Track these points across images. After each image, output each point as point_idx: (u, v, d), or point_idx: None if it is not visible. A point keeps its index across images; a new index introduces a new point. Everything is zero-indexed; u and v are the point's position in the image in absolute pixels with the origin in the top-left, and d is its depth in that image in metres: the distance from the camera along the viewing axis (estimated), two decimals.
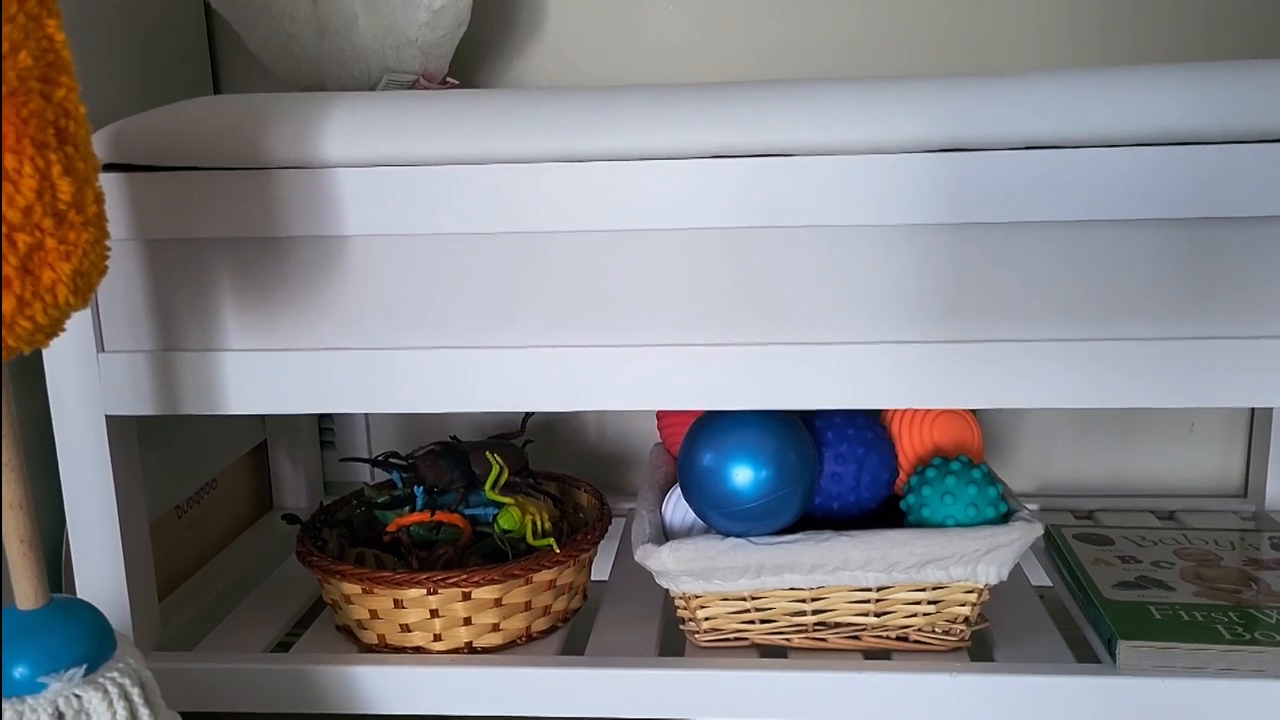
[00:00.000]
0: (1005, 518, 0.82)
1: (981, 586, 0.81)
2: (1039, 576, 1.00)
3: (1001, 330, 0.74)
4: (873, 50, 1.11)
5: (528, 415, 1.06)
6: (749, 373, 0.75)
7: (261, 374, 0.77)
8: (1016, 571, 0.99)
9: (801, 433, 0.81)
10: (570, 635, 0.90)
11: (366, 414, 1.22)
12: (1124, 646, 0.80)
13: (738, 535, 0.80)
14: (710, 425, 0.81)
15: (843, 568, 0.79)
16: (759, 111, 0.73)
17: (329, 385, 0.77)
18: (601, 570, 1.00)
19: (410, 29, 0.92)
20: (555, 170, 0.73)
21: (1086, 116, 0.70)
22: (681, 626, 0.86)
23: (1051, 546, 1.01)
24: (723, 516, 0.79)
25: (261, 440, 1.16)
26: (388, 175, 0.73)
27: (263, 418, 1.16)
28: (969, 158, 0.70)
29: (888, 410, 0.91)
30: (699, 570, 0.80)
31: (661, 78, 1.13)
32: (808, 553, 0.79)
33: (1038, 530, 0.79)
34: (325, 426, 1.22)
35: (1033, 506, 1.15)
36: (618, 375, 0.76)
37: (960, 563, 0.79)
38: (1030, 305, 0.73)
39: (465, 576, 0.81)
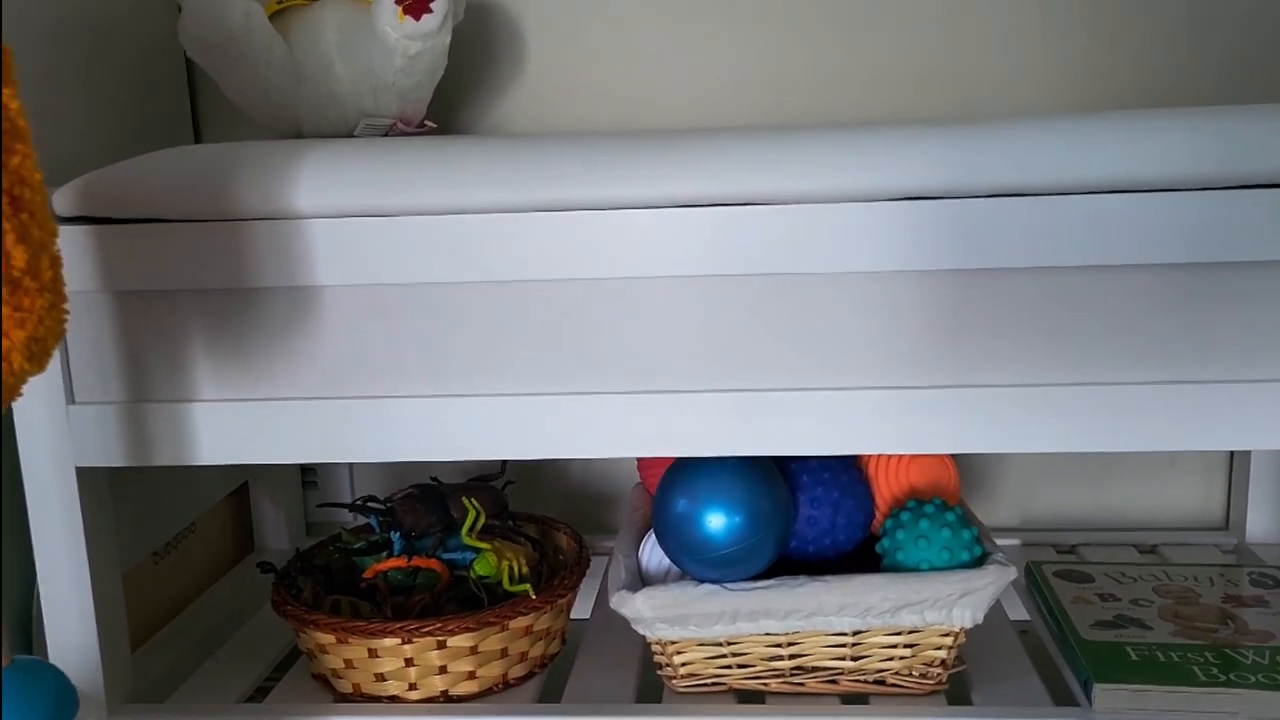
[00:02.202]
0: (981, 560, 0.81)
1: (957, 630, 0.81)
2: (1021, 613, 0.99)
3: (977, 376, 0.74)
4: (855, 91, 1.12)
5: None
6: (722, 420, 0.75)
7: (234, 424, 0.77)
8: (997, 610, 0.98)
9: (775, 478, 0.81)
10: (549, 680, 0.89)
11: None
12: (1099, 689, 0.80)
13: (712, 581, 0.80)
14: (683, 472, 0.81)
15: (817, 613, 0.79)
16: (732, 160, 0.73)
17: (302, 435, 0.77)
18: (584, 608, 0.99)
19: (386, 74, 0.92)
20: (528, 220, 0.73)
21: (1065, 163, 0.70)
22: (659, 672, 0.86)
23: (1032, 583, 1.01)
24: (697, 563, 0.79)
25: (242, 483, 1.16)
26: (359, 225, 0.73)
27: None
28: (941, 205, 0.71)
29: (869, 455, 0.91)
30: (674, 617, 0.80)
31: (643, 121, 1.13)
32: (782, 598, 0.79)
33: (1012, 573, 0.79)
34: (308, 468, 1.21)
35: (1014, 541, 1.15)
36: (591, 423, 0.76)
37: (935, 607, 0.79)
38: (1004, 350, 0.73)
39: (440, 625, 0.81)
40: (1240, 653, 0.84)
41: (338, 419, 0.76)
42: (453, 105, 1.14)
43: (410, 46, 0.90)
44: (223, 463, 0.77)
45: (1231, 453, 1.16)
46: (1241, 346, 0.72)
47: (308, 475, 1.21)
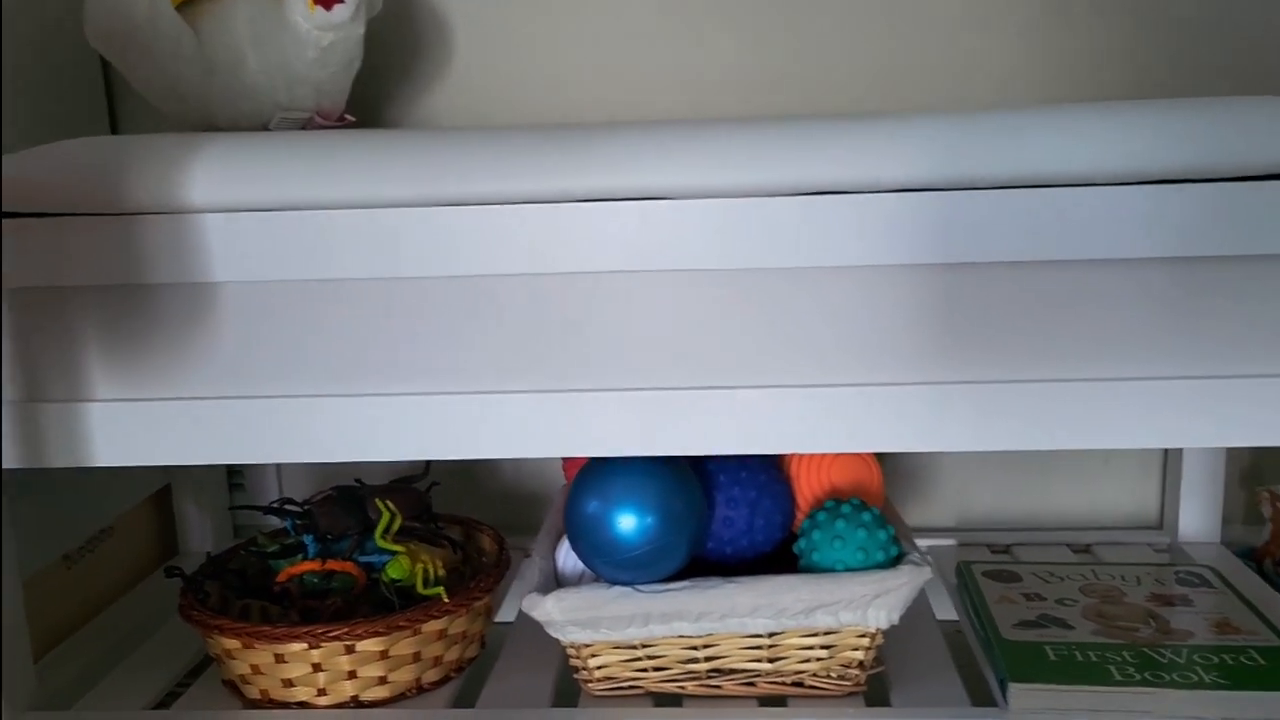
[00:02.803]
0: (897, 561, 0.80)
1: (874, 631, 0.80)
2: (951, 614, 0.99)
3: (916, 373, 0.72)
4: (800, 86, 1.11)
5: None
6: (639, 419, 0.74)
7: (131, 425, 0.75)
8: (924, 610, 0.98)
9: (688, 478, 0.80)
10: (465, 685, 0.88)
11: None
12: (1015, 689, 0.79)
13: (624, 583, 0.78)
14: (595, 472, 0.79)
15: (731, 615, 0.78)
16: (653, 153, 0.71)
17: (201, 436, 0.75)
18: (511, 611, 0.98)
19: (300, 66, 0.91)
20: (433, 214, 0.71)
21: (1026, 157, 0.68)
22: (575, 676, 0.84)
23: (961, 584, 1.00)
24: (608, 565, 0.78)
25: (165, 484, 1.13)
26: (256, 220, 0.71)
27: None
28: (880, 199, 0.69)
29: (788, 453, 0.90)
30: (585, 620, 0.78)
31: (575, 115, 1.12)
32: (695, 600, 0.77)
33: (927, 574, 0.78)
34: (234, 470, 1.19)
35: (950, 542, 1.14)
36: (503, 423, 0.74)
37: (849, 608, 0.78)
38: (947, 346, 0.72)
39: (347, 630, 0.79)
40: (1159, 652, 0.83)
41: (237, 419, 0.74)
42: (378, 100, 1.12)
43: (322, 38, 0.88)
44: (119, 464, 0.75)
45: (1165, 453, 1.16)
46: (1180, 344, 0.71)
47: (234, 477, 1.19)
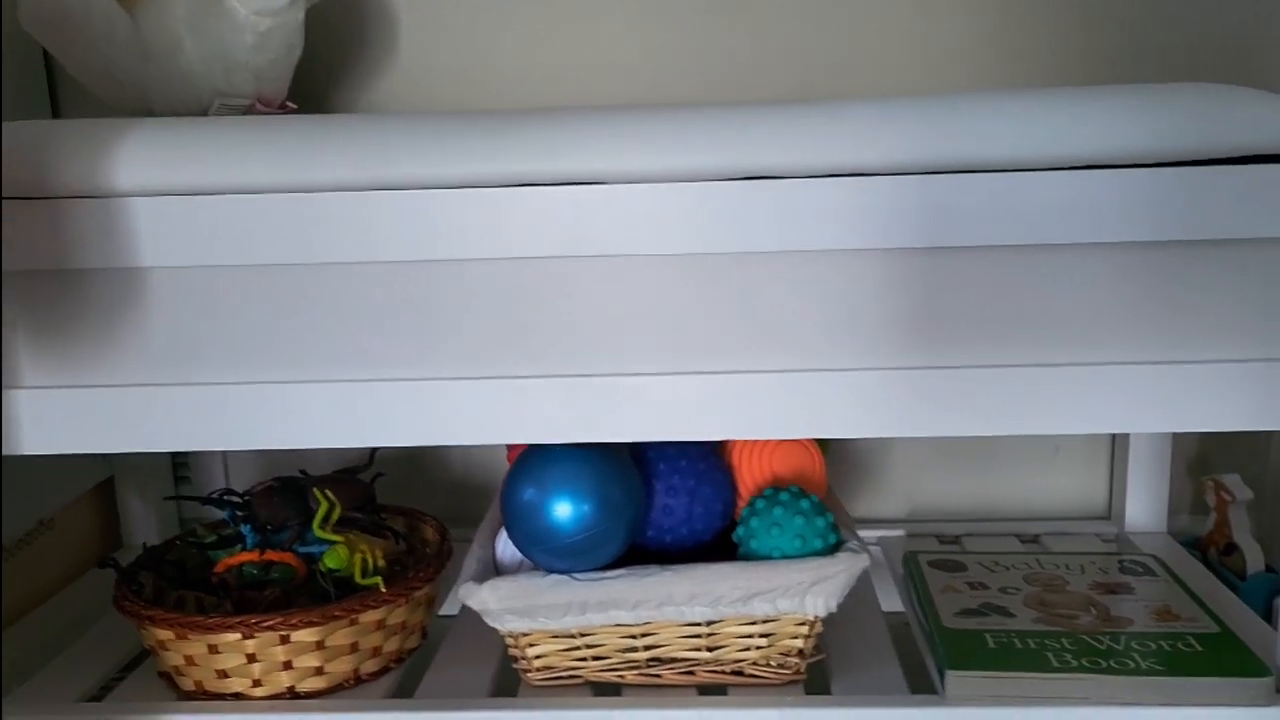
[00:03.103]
0: (835, 549, 0.80)
1: (812, 618, 0.80)
2: (898, 604, 0.99)
3: (865, 360, 0.72)
4: (747, 73, 1.11)
5: (374, 448, 1.03)
6: (574, 406, 0.73)
7: (57, 412, 0.74)
8: (869, 599, 0.98)
9: (626, 466, 0.79)
10: (406, 676, 0.87)
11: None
12: (951, 677, 0.79)
13: (561, 572, 0.78)
14: (531, 460, 0.79)
15: (667, 603, 0.78)
16: (575, 139, 0.71)
17: (132, 422, 0.74)
18: (456, 603, 0.97)
19: (238, 52, 0.90)
20: (363, 199, 0.71)
21: (961, 142, 0.68)
22: (515, 666, 0.84)
23: (908, 574, 1.00)
24: (544, 553, 0.77)
25: (108, 476, 1.12)
26: (182, 204, 0.71)
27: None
28: (819, 184, 0.69)
29: (730, 440, 0.89)
30: (521, 608, 0.78)
31: (516, 103, 1.11)
32: (631, 589, 0.77)
33: (864, 561, 0.78)
34: (180, 461, 1.18)
35: (899, 532, 1.14)
36: (434, 410, 0.74)
37: (787, 595, 0.78)
38: (894, 332, 0.72)
39: (281, 619, 0.78)
40: (1097, 639, 0.84)
41: (166, 406, 0.73)
42: (324, 88, 1.11)
43: (260, 23, 0.87)
44: (46, 452, 0.74)
45: (1113, 443, 1.16)
46: (1131, 330, 0.72)
47: (180, 470, 1.18)
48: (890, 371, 0.72)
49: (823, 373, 0.72)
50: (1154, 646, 0.82)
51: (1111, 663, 0.80)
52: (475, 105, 1.11)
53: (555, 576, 0.77)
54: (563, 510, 0.76)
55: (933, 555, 1.02)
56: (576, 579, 0.77)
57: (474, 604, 0.78)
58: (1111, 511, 1.17)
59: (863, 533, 1.12)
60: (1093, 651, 0.81)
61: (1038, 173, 0.68)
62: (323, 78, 1.10)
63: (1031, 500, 1.18)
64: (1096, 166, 0.68)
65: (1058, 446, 1.17)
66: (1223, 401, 0.72)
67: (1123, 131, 0.68)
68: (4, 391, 0.74)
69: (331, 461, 1.15)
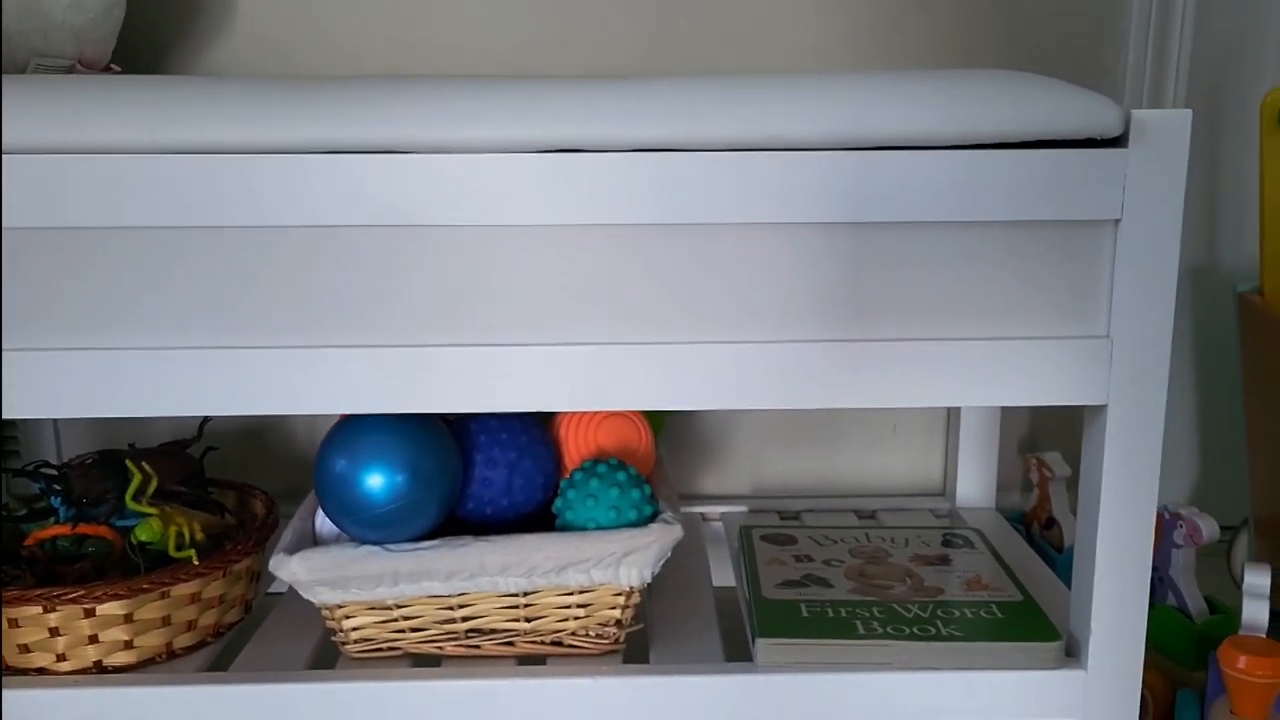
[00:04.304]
0: (651, 520, 0.82)
1: (628, 589, 0.81)
2: (730, 578, 1.01)
3: (695, 332, 0.73)
4: (588, 53, 1.11)
5: (205, 420, 1.01)
6: (389, 375, 0.73)
7: None
8: (702, 573, 1.00)
9: (441, 436, 0.79)
10: (225, 650, 0.86)
11: (55, 419, 1.15)
12: (761, 644, 0.81)
13: (374, 543, 0.78)
14: (343, 430, 0.78)
15: (481, 573, 0.78)
16: (388, 107, 0.71)
17: None
18: None
19: (55, 11, 0.87)
20: (168, 163, 0.69)
21: (767, 119, 0.70)
22: (333, 638, 0.83)
23: (741, 547, 1.02)
24: (356, 524, 0.77)
25: None
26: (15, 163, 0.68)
27: None
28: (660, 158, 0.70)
29: (557, 414, 0.90)
30: (333, 580, 0.77)
31: (353, 69, 1.10)
32: (443, 559, 0.77)
33: (677, 532, 0.80)
34: (7, 433, 1.14)
35: (742, 508, 1.17)
36: (246, 378, 0.73)
37: (600, 566, 0.79)
38: (723, 307, 0.73)
39: (85, 592, 0.77)
40: (905, 607, 0.87)
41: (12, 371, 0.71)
42: (156, 51, 1.08)
43: None
44: None
45: (948, 420, 1.20)
46: (961, 306, 0.74)
47: (8, 443, 1.14)
48: (703, 346, 0.73)
49: (628, 346, 0.73)
50: (958, 614, 0.85)
51: (915, 630, 0.83)
52: (313, 72, 1.09)
53: (367, 548, 0.77)
54: (374, 481, 0.76)
55: (766, 530, 1.05)
56: (389, 550, 0.77)
57: (284, 575, 0.77)
58: (946, 488, 1.21)
59: (707, 509, 1.15)
60: (900, 620, 0.84)
61: (852, 152, 0.70)
62: (154, 40, 1.07)
63: (871, 477, 1.22)
64: (903, 148, 0.70)
65: (895, 425, 1.20)
66: (1038, 378, 0.75)
67: (928, 115, 0.70)
68: None
69: (170, 433, 1.12)
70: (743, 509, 1.17)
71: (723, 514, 1.16)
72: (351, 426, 0.78)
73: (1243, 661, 0.75)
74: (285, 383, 0.73)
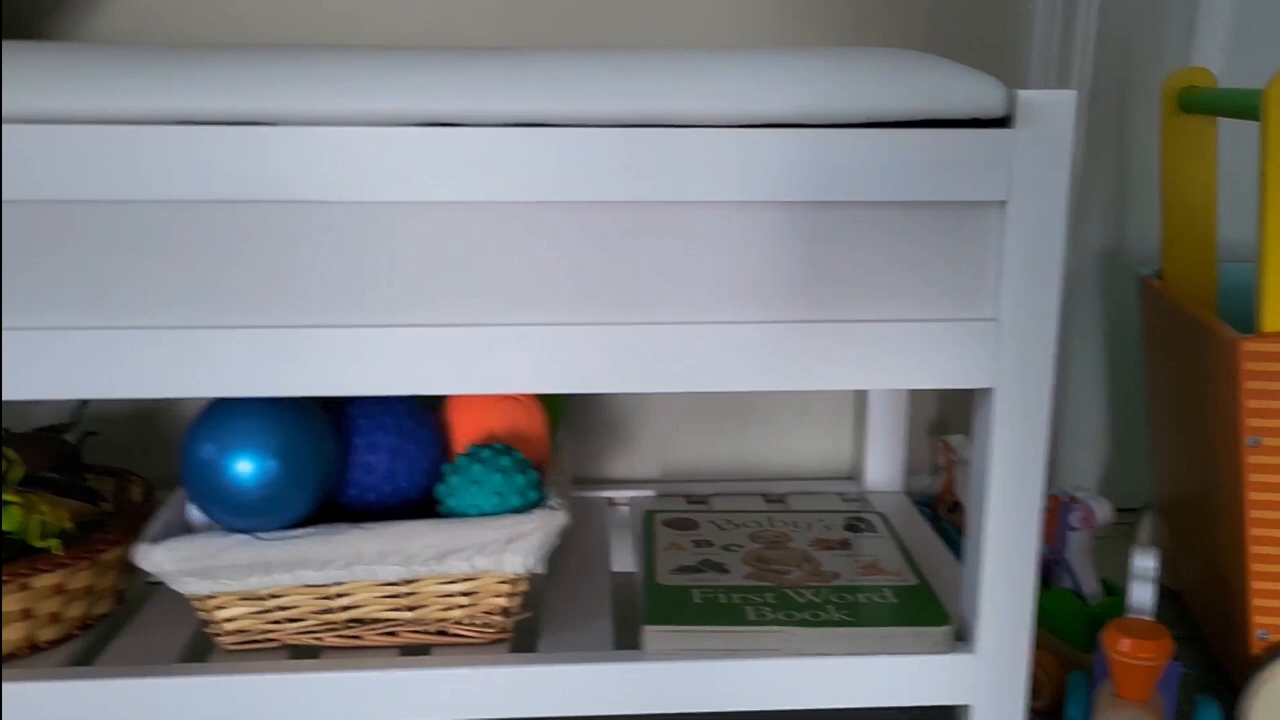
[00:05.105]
0: (538, 506, 0.80)
1: (513, 576, 0.79)
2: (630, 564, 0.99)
3: (577, 314, 0.71)
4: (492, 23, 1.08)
5: (82, 405, 0.97)
6: (269, 358, 0.70)
7: None
8: (600, 559, 0.98)
9: (315, 421, 0.76)
10: (94, 643, 0.82)
11: None
12: (648, 632, 0.80)
13: (245, 531, 0.75)
14: (211, 415, 0.75)
15: (357, 562, 0.75)
16: (267, 76, 0.68)
17: None
18: None
19: None
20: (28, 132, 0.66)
21: (652, 95, 0.67)
22: (206, 630, 0.80)
23: (644, 532, 1.01)
24: (224, 511, 0.74)
25: None
26: None
27: None
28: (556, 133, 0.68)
29: (447, 397, 0.88)
30: (200, 570, 0.74)
31: (239, 38, 1.06)
32: (318, 548, 0.74)
33: (561, 519, 0.78)
34: None
35: (649, 492, 1.15)
36: (114, 360, 0.69)
37: (483, 553, 0.77)
38: (607, 288, 0.71)
39: None
40: (799, 593, 0.86)
41: None
42: (37, 17, 1.03)
43: None
44: None
45: (855, 404, 1.19)
46: (872, 286, 0.73)
47: None
48: (583, 328, 0.71)
49: (508, 327, 0.71)
50: (851, 599, 0.85)
51: (807, 615, 0.82)
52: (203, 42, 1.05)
53: (237, 536, 0.74)
54: (243, 467, 0.73)
55: (670, 514, 1.03)
56: (260, 538, 0.74)
57: (148, 566, 0.74)
58: (856, 471, 1.21)
59: (615, 493, 1.13)
60: (792, 605, 0.83)
61: (729, 130, 0.68)
62: (39, 8, 1.02)
63: (782, 461, 1.21)
64: (787, 126, 0.69)
65: (806, 408, 1.19)
66: (926, 361, 0.74)
67: (810, 93, 0.69)
68: None
69: (53, 418, 1.08)
70: (651, 493, 1.15)
71: (631, 498, 1.14)
72: (220, 411, 0.74)
73: (1125, 644, 0.75)
74: (151, 365, 0.70)
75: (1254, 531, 0.81)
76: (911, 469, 1.20)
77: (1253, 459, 0.80)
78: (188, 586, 0.75)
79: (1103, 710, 0.76)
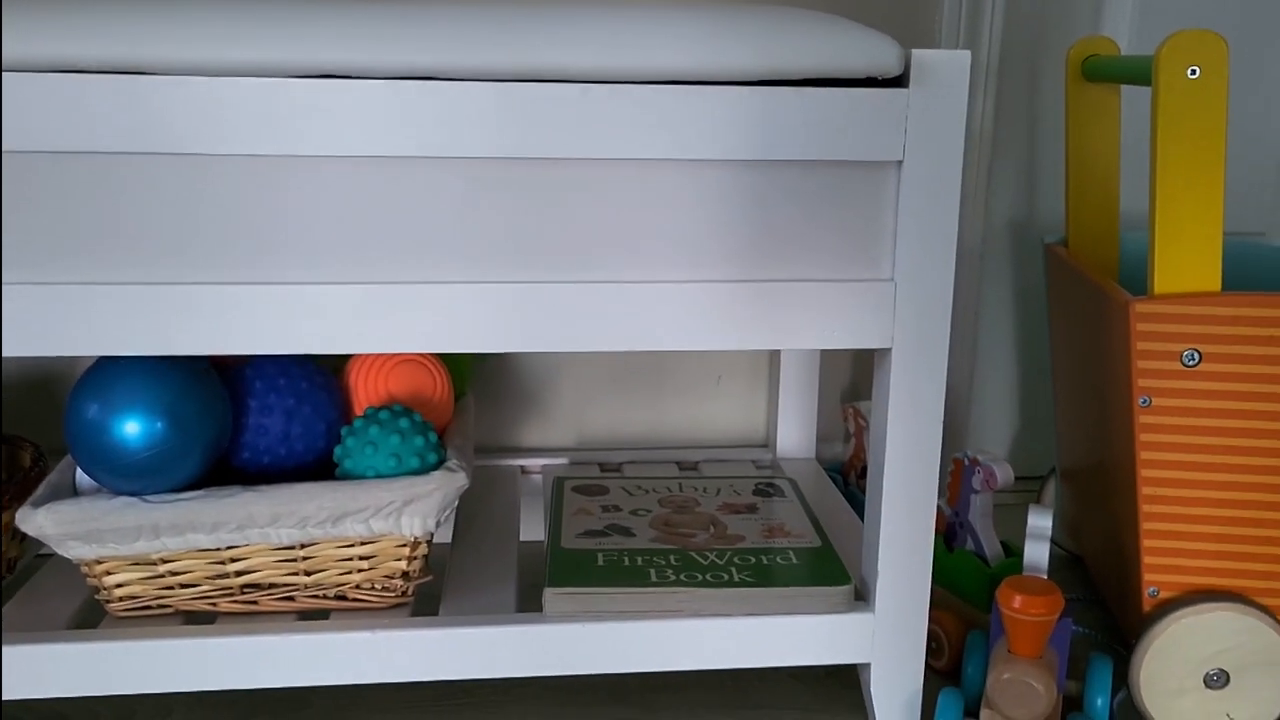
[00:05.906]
0: (437, 469, 0.79)
1: (412, 539, 0.78)
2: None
3: (471, 272, 0.70)
4: None
5: None
6: (163, 315, 0.68)
7: None
8: (509, 525, 0.97)
9: (206, 381, 0.75)
10: None
11: None
12: (548, 594, 0.79)
13: (131, 493, 0.73)
14: (96, 374, 0.73)
15: (249, 525, 0.74)
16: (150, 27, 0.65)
17: None
18: None
19: None
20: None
21: (538, 49, 0.66)
22: (96, 596, 0.78)
23: (553, 498, 1.00)
24: (110, 474, 0.72)
25: None
26: None
27: None
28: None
29: (349, 358, 0.86)
30: (85, 533, 0.72)
31: None
32: (207, 510, 0.73)
33: (460, 480, 0.77)
34: None
35: (563, 460, 1.14)
36: (24, 317, 0.67)
37: (380, 516, 0.76)
38: (499, 246, 0.70)
39: None
40: (703, 555, 0.86)
41: None
42: None
43: None
44: None
45: (770, 371, 1.20)
46: (771, 247, 0.72)
47: None
48: (475, 286, 0.71)
49: (405, 286, 0.70)
50: (753, 561, 0.85)
51: (709, 576, 0.82)
52: None
53: (123, 499, 0.72)
54: (130, 428, 0.71)
55: (580, 481, 1.03)
56: (147, 501, 0.72)
57: (30, 530, 0.72)
58: (769, 439, 1.21)
59: (528, 461, 1.12)
60: (695, 567, 0.84)
61: (620, 85, 0.68)
62: None
63: (697, 430, 1.21)
64: (686, 82, 0.68)
65: (720, 376, 1.20)
66: (823, 321, 0.74)
67: (702, 49, 0.68)
68: None
69: None
70: (564, 461, 1.15)
71: (543, 466, 1.14)
72: (105, 370, 0.72)
73: (1018, 601, 0.76)
74: (30, 322, 0.67)
75: (1145, 490, 0.83)
76: (823, 436, 1.21)
77: (1144, 419, 0.81)
78: (73, 551, 0.73)
79: (996, 665, 0.77)
